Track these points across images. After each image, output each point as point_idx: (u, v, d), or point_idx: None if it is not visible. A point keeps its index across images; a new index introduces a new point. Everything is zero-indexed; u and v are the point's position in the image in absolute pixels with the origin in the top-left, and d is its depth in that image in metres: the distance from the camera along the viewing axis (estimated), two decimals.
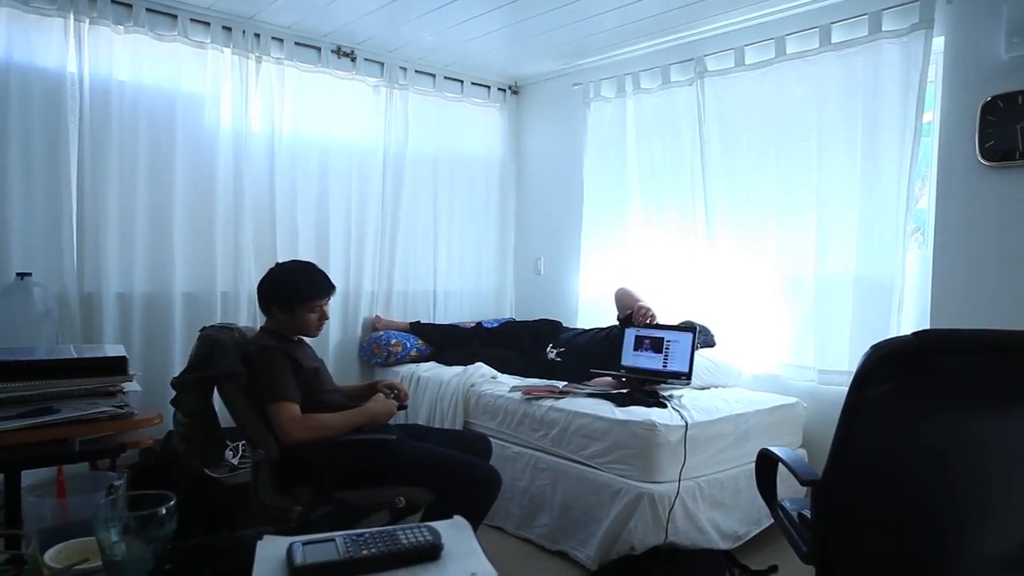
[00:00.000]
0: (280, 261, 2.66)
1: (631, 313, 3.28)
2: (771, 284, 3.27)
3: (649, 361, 3.03)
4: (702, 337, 3.27)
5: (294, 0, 3.24)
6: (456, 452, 2.32)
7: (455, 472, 2.19)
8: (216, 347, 2.12)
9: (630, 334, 3.14)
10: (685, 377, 2.90)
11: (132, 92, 3.17)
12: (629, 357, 3.12)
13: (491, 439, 3.02)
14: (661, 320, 3.16)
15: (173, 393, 2.13)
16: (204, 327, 2.24)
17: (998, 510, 1.43)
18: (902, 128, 2.79)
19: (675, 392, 2.85)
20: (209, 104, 3.39)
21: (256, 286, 2.39)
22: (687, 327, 3.01)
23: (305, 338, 2.42)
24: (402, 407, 2.45)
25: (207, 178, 3.38)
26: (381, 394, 2.41)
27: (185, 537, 1.06)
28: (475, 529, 2.21)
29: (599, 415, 2.65)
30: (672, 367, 2.95)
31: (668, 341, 2.99)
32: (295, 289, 2.31)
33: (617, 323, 3.47)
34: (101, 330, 3.09)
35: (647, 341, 3.06)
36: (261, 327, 2.40)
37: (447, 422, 3.25)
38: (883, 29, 2.83)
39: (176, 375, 2.16)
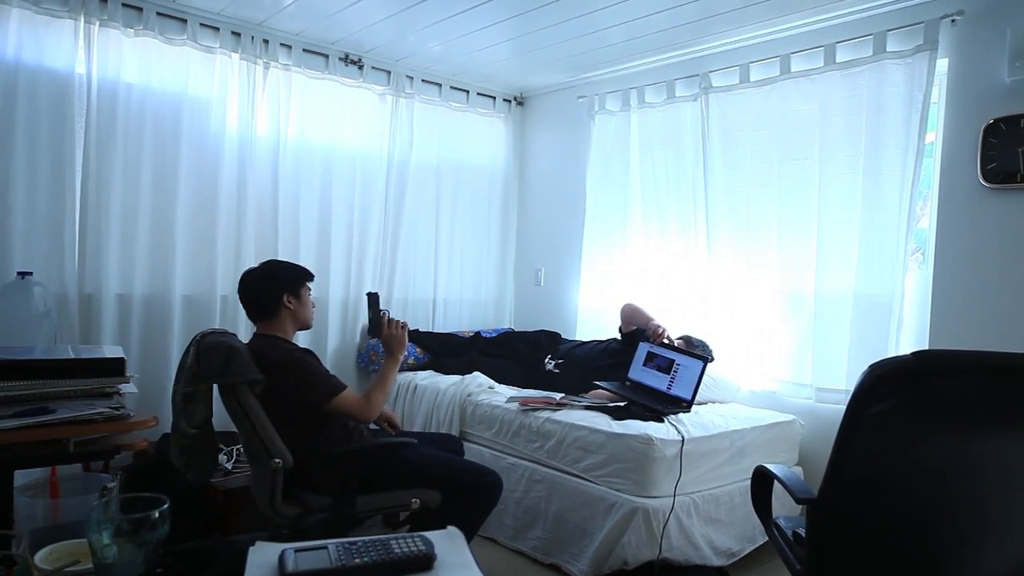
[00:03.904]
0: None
1: (637, 329, 3.27)
2: (770, 300, 3.26)
3: (655, 379, 2.99)
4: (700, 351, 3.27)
5: (303, 7, 3.26)
6: (455, 456, 2.42)
7: (461, 475, 2.27)
8: (232, 354, 2.04)
9: (643, 348, 3.11)
10: (686, 404, 2.82)
11: (139, 95, 3.18)
12: (637, 371, 3.10)
13: (486, 449, 3.05)
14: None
15: (170, 395, 2.10)
16: (203, 333, 2.12)
17: (996, 530, 1.43)
18: (904, 148, 2.80)
19: None
20: (215, 108, 3.40)
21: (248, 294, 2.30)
22: (700, 356, 2.91)
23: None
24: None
25: (211, 182, 3.39)
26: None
27: (178, 541, 1.05)
28: (474, 532, 2.28)
29: (595, 428, 2.65)
30: (675, 391, 2.88)
31: (678, 364, 2.92)
32: (293, 271, 2.33)
33: (618, 336, 3.47)
34: (100, 331, 3.09)
35: (657, 360, 3.02)
36: (260, 333, 2.28)
37: (443, 431, 3.24)
38: (887, 49, 2.85)
39: (178, 383, 2.08)
